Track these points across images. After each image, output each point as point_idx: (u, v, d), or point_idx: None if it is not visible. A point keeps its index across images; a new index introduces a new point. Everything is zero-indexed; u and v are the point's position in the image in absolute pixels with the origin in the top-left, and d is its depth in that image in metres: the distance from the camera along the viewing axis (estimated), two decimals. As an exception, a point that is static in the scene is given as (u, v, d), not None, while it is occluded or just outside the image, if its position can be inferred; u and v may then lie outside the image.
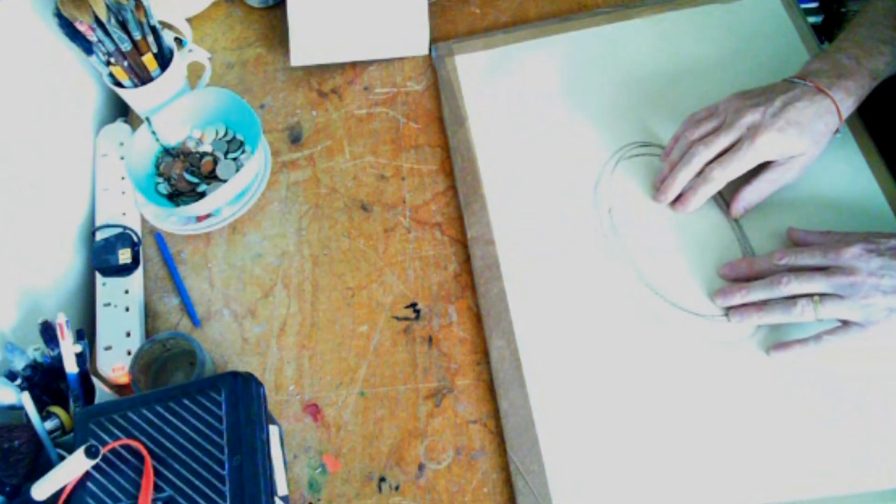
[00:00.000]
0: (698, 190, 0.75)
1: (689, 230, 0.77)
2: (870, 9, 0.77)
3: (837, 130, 0.73)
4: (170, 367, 0.79)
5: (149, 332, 0.83)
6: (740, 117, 0.72)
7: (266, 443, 0.61)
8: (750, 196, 0.75)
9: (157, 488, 0.59)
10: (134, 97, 0.89)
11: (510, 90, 0.90)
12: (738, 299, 0.71)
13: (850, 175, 0.78)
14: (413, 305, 0.79)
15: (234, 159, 0.89)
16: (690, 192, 0.76)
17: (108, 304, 0.83)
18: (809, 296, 0.66)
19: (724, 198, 0.78)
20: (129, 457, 0.61)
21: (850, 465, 0.65)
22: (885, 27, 0.74)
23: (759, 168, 0.73)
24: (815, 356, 0.68)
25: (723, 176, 0.73)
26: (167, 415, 0.62)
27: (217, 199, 0.82)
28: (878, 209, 0.75)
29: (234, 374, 0.63)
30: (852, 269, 0.64)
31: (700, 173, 0.75)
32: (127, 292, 0.83)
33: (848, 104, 0.71)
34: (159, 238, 0.88)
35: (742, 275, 0.73)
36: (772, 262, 0.70)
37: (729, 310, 0.72)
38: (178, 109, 0.89)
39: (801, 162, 0.73)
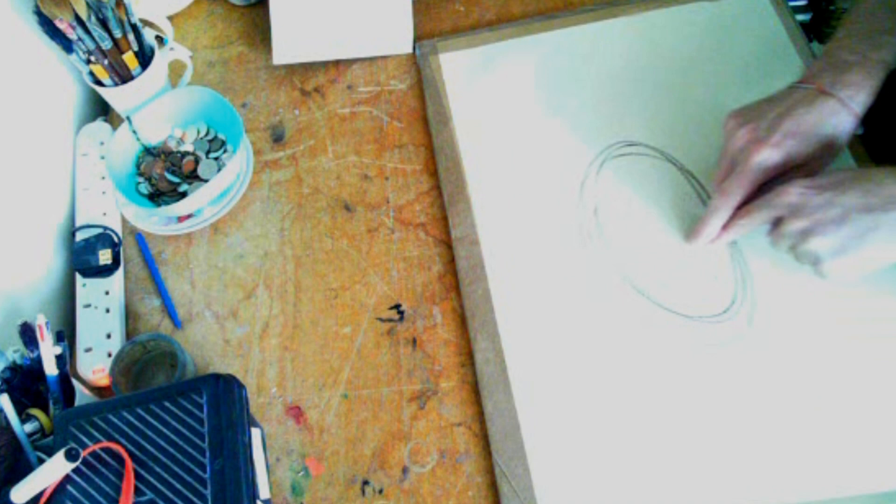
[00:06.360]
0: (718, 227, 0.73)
1: (676, 231, 0.77)
2: (863, 2, 0.74)
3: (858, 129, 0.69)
4: (151, 369, 0.78)
5: (129, 334, 0.82)
6: (732, 139, 0.69)
7: (248, 446, 0.61)
8: (741, 218, 0.70)
9: (137, 491, 0.58)
10: (114, 96, 0.88)
11: (495, 88, 0.90)
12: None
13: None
14: (397, 307, 0.79)
15: (216, 159, 0.89)
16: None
17: (88, 306, 0.82)
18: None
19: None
20: (109, 460, 0.60)
21: (847, 467, 0.65)
22: (883, 18, 0.71)
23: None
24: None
25: (723, 203, 0.70)
26: (148, 417, 0.61)
27: (198, 199, 0.81)
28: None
29: (216, 376, 0.62)
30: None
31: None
32: (107, 293, 0.82)
33: (859, 99, 0.67)
34: (140, 238, 0.87)
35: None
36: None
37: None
38: (159, 108, 0.88)
39: (814, 172, 0.68)
